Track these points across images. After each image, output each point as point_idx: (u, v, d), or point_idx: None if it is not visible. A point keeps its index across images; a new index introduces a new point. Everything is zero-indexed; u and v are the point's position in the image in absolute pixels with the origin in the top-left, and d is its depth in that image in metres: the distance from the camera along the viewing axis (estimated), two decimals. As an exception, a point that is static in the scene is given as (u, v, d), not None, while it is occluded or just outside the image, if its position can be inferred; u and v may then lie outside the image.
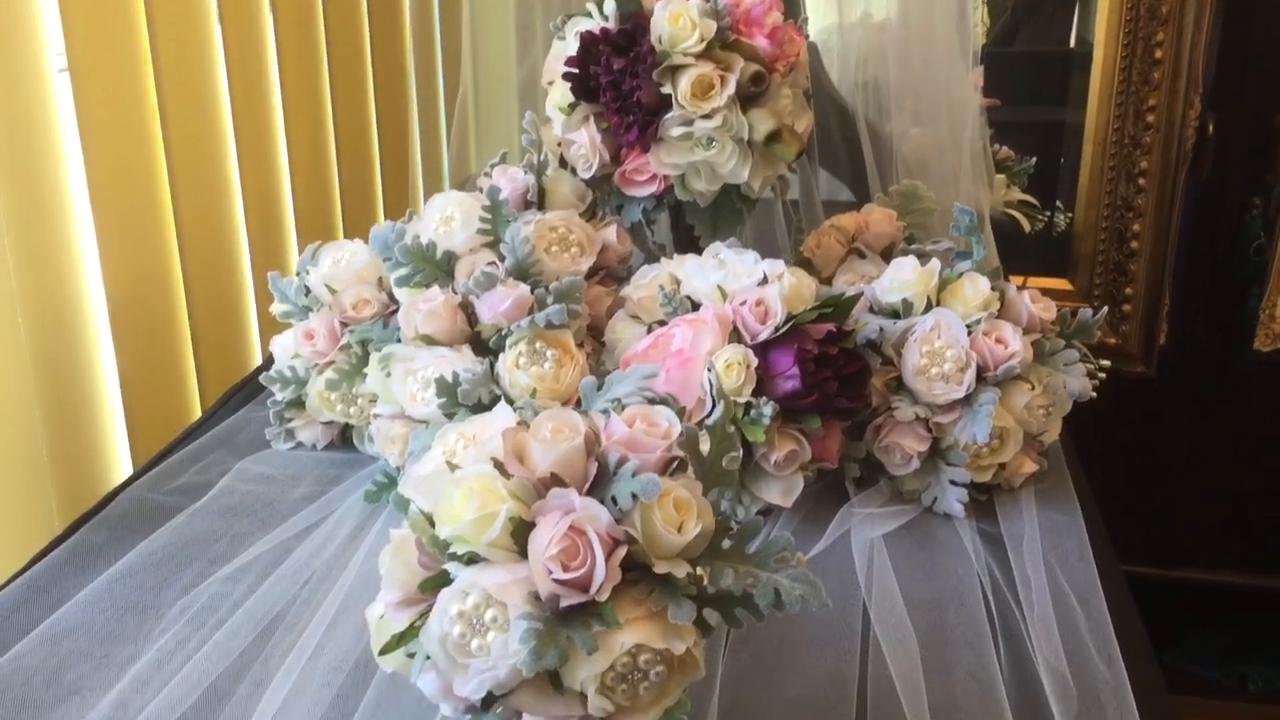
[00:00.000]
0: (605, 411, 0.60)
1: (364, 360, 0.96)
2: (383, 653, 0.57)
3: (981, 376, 0.90)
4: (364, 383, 0.95)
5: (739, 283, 0.89)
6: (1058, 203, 1.86)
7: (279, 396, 1.02)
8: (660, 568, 0.54)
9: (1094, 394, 0.94)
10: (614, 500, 0.55)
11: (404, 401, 0.89)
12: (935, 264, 0.93)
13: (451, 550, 0.55)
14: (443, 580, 0.55)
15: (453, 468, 0.58)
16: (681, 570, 0.55)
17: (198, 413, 1.21)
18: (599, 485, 0.56)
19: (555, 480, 0.55)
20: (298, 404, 1.02)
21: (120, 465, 1.12)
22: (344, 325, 0.98)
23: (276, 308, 1.03)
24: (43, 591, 0.80)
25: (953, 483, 0.90)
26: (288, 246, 1.41)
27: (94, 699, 0.69)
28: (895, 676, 0.70)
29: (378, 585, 0.57)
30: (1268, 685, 2.05)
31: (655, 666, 0.54)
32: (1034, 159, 1.70)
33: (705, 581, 0.56)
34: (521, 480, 0.55)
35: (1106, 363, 1.01)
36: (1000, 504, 0.92)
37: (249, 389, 1.14)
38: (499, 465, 0.56)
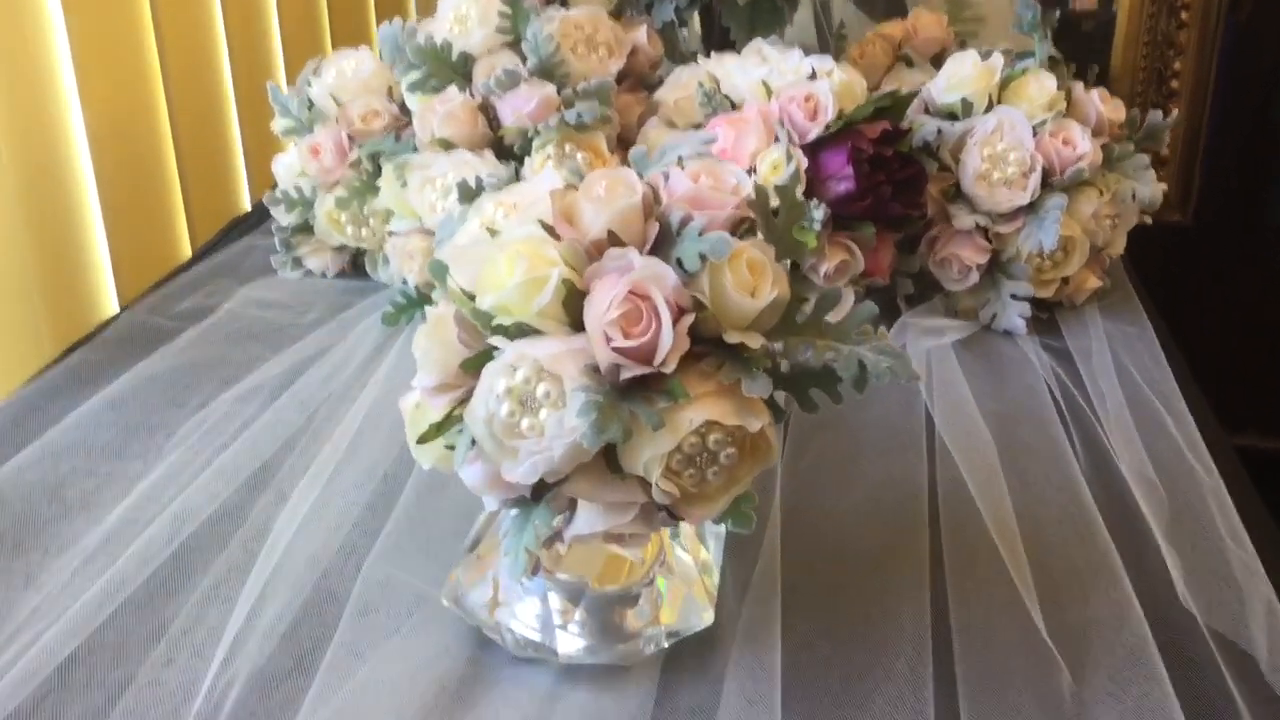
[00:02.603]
0: (664, 175, 0.53)
1: (375, 176, 0.89)
2: (420, 442, 0.51)
3: (1046, 181, 0.83)
4: (376, 200, 0.88)
5: (784, 79, 0.81)
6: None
7: (285, 221, 0.95)
8: (732, 338, 0.48)
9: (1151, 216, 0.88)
10: (679, 263, 0.48)
11: (422, 212, 0.83)
12: (998, 58, 0.85)
13: (496, 323, 0.49)
14: (486, 358, 0.49)
15: (493, 234, 0.51)
16: (756, 341, 0.48)
17: (187, 247, 1.13)
18: (660, 249, 0.49)
19: (613, 240, 0.49)
20: (305, 230, 0.95)
21: (112, 301, 1.05)
22: (352, 139, 0.90)
23: (278, 123, 0.95)
24: (39, 410, 0.74)
25: (1014, 297, 0.84)
26: (272, 63, 1.31)
27: (99, 515, 0.64)
28: (968, 478, 0.64)
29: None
30: None
31: (726, 448, 0.48)
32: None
33: (779, 357, 0.50)
34: (573, 243, 0.49)
35: (1163, 185, 0.94)
36: (1064, 320, 0.86)
37: (251, 220, 1.07)
38: (548, 227, 0.49)
